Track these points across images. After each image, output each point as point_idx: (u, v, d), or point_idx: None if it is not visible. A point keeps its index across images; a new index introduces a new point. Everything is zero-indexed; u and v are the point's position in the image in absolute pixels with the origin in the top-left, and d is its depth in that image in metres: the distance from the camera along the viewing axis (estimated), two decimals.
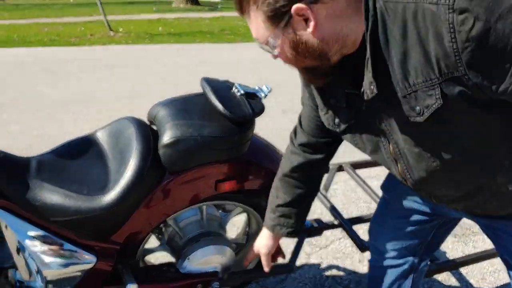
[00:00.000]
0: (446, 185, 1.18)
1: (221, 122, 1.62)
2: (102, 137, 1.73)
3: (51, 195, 1.49)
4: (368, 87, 1.00)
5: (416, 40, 0.91)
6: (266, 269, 1.69)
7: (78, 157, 1.64)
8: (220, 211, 2.07)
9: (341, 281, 2.32)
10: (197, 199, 1.70)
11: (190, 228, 1.90)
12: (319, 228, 2.20)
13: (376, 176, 3.18)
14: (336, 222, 2.27)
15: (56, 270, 1.54)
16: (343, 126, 1.20)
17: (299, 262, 2.46)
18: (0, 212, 1.47)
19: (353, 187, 3.29)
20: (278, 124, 4.42)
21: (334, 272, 2.40)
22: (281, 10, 0.95)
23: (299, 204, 1.58)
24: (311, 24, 0.95)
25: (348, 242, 2.64)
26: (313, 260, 2.48)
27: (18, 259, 1.54)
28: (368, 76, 0.99)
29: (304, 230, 2.15)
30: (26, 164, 1.55)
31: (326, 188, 2.45)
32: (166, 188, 1.62)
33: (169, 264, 1.82)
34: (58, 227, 1.52)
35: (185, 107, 1.67)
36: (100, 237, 1.60)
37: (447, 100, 0.94)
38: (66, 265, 1.55)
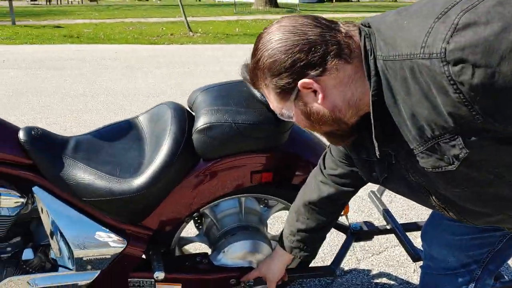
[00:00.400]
0: (503, 213, 1.08)
1: (259, 110, 1.54)
2: (143, 121, 1.72)
3: (84, 175, 1.49)
4: (376, 146, 1.00)
5: (421, 96, 0.87)
6: None
7: (116, 140, 1.64)
8: (261, 206, 1.99)
9: None
10: (232, 189, 1.63)
11: (227, 220, 1.84)
12: (369, 232, 2.05)
13: None
14: (388, 227, 2.11)
15: (86, 251, 1.54)
16: (380, 180, 1.16)
17: (347, 266, 2.31)
18: (35, 189, 1.49)
19: None
20: None
21: (384, 280, 2.23)
22: (287, 87, 0.98)
23: (322, 231, 1.55)
24: (320, 96, 0.97)
25: (404, 250, 2.45)
26: (364, 266, 2.33)
27: (51, 237, 1.56)
28: (374, 135, 0.98)
29: (352, 232, 2.02)
30: (64, 143, 1.57)
31: (381, 191, 2.29)
32: (199, 176, 1.57)
33: (203, 255, 1.77)
34: (90, 207, 1.52)
35: (223, 93, 1.61)
36: (131, 221, 1.58)
37: (473, 147, 0.87)
38: (96, 247, 1.55)
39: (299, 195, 1.53)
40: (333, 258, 1.91)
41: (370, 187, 2.62)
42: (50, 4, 25.54)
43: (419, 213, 2.84)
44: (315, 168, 1.51)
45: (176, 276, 1.69)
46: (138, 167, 1.53)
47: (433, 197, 1.09)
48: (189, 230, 2.54)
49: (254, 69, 1.04)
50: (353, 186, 1.41)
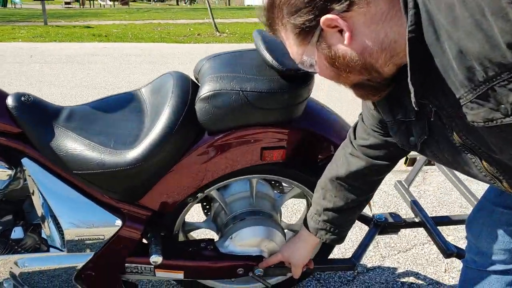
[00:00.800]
0: None
1: (271, 77, 1.37)
2: (145, 92, 1.57)
3: (75, 145, 1.35)
4: (412, 93, 0.83)
5: (471, 25, 0.69)
6: (296, 277, 1.53)
7: (114, 111, 1.49)
8: (275, 191, 1.81)
9: None
10: (240, 167, 1.46)
11: (237, 205, 1.68)
12: (395, 224, 1.85)
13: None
14: (417, 220, 1.90)
15: (78, 230, 1.40)
16: (419, 145, 0.98)
17: (371, 263, 2.11)
18: (24, 160, 1.36)
19: (447, 189, 2.84)
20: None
21: (411, 279, 2.02)
22: (308, 25, 0.83)
23: (351, 212, 1.37)
24: (346, 35, 0.81)
25: (434, 248, 2.23)
26: (388, 263, 2.12)
27: (41, 214, 1.42)
28: (410, 80, 0.80)
29: (376, 224, 1.82)
30: (56, 112, 1.43)
31: (409, 181, 2.08)
32: (202, 151, 1.40)
33: (208, 241, 1.60)
34: (82, 182, 1.38)
35: (231, 61, 1.45)
36: (127, 200, 1.43)
37: None
38: (88, 226, 1.40)
39: (326, 170, 1.37)
40: (354, 251, 1.73)
41: (396, 177, 2.42)
42: (83, 7, 26.04)
43: (451, 209, 2.61)
44: (344, 141, 1.34)
45: (178, 262, 1.53)
46: (134, 139, 1.38)
47: (483, 163, 0.90)
48: (196, 215, 2.39)
49: (271, 6, 0.89)
50: (386, 159, 1.23)
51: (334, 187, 1.33)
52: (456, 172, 2.09)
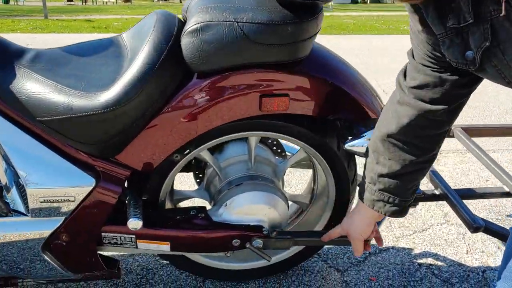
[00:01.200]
0: None
1: (271, 7, 1.15)
2: (126, 37, 1.36)
3: (38, 88, 1.14)
4: None
5: None
6: (357, 254, 1.30)
7: (89, 56, 1.28)
8: (277, 157, 1.60)
9: (439, 272, 1.72)
10: (234, 118, 1.24)
11: (233, 169, 1.46)
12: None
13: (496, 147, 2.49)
14: (437, 192, 1.68)
15: (43, 190, 1.18)
16: (478, 58, 0.80)
17: (384, 244, 1.89)
18: None
19: (464, 170, 2.61)
20: None
21: (430, 260, 1.79)
22: None
23: (410, 177, 1.12)
24: None
25: (453, 229, 2.01)
26: (403, 244, 1.90)
27: (0, 172, 1.21)
28: None
29: None
30: (20, 53, 1.23)
31: None
32: (189, 97, 1.19)
33: (199, 209, 1.39)
34: (48, 133, 1.17)
35: None
36: (101, 154, 1.21)
37: None
38: (56, 186, 1.19)
39: (375, 129, 1.14)
40: None
41: None
42: (85, 4, 25.92)
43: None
44: (392, 93, 1.11)
45: (163, 232, 1.32)
46: (109, 82, 1.16)
47: None
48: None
49: None
50: (441, 102, 0.99)
51: (387, 148, 1.10)
52: (478, 142, 1.87)
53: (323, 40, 8.05)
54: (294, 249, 1.59)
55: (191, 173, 1.65)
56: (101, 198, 1.23)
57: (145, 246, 1.33)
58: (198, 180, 1.62)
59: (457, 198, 1.59)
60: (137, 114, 1.15)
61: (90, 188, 1.21)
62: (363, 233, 1.25)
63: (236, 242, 1.35)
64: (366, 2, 26.26)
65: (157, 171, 1.31)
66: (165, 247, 1.33)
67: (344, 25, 11.97)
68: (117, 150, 1.21)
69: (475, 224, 1.48)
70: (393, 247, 1.87)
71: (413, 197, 1.16)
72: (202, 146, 1.31)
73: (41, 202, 1.19)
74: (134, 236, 1.31)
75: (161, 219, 1.34)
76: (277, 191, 1.41)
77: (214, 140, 1.31)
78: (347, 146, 1.26)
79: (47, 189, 1.19)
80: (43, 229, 1.23)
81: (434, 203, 2.21)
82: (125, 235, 1.31)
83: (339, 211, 1.52)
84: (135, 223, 1.20)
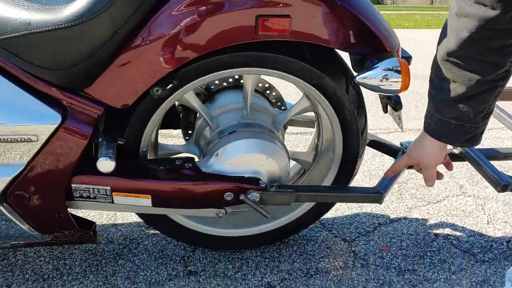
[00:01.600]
0: None
1: None
2: None
3: None
4: None
5: None
6: (430, 184, 1.16)
7: None
8: (276, 109, 1.41)
9: (458, 243, 1.53)
10: (224, 44, 1.05)
11: (226, 118, 1.28)
12: None
13: None
14: (456, 151, 1.50)
15: None
16: None
17: (394, 214, 1.70)
18: None
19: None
20: None
21: (447, 231, 1.61)
22: None
23: (480, 98, 0.94)
24: None
25: (471, 200, 1.82)
26: (416, 214, 1.71)
27: None
28: None
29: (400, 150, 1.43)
30: None
31: None
32: (169, 16, 1.00)
33: (186, 159, 1.20)
34: (2, 55, 0.98)
35: None
36: (68, 84, 1.03)
37: None
38: (13, 122, 1.00)
39: (436, 51, 0.97)
40: (379, 181, 1.32)
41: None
42: None
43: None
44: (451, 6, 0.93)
45: (143, 183, 1.13)
46: None
47: None
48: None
49: None
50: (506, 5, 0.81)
51: (449, 69, 0.92)
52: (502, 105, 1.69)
53: None
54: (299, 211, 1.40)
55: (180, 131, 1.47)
56: (69, 140, 1.04)
57: (122, 200, 1.15)
58: (187, 138, 1.43)
59: (481, 155, 1.41)
60: (106, 33, 0.96)
61: (55, 126, 1.02)
62: (437, 159, 1.08)
63: (229, 196, 1.16)
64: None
65: (137, 111, 1.12)
66: (145, 201, 1.15)
67: None
68: (87, 81, 1.03)
69: (502, 182, 1.30)
70: (405, 218, 1.69)
71: (485, 122, 0.98)
72: (189, 85, 1.12)
73: None
74: (109, 188, 1.12)
75: (141, 169, 1.16)
76: (275, 140, 1.22)
77: (202, 78, 1.12)
78: (359, 78, 1.07)
79: (3, 126, 1.00)
80: (0, 175, 1.05)
81: (448, 175, 2.03)
82: (99, 187, 1.12)
83: (346, 169, 1.33)
84: (106, 164, 1.01)
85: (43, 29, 0.92)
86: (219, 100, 1.32)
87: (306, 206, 1.38)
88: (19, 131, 1.01)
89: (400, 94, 1.16)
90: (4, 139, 1.01)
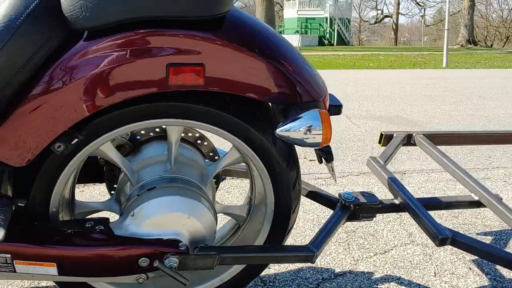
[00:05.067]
0: None
1: None
2: None
3: None
4: None
5: None
6: None
7: None
8: (206, 160, 1.33)
9: None
10: (133, 94, 0.97)
11: (147, 172, 1.19)
12: (369, 206, 1.39)
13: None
14: (397, 202, 1.45)
15: None
16: None
17: (340, 268, 1.62)
18: None
19: (429, 189, 2.39)
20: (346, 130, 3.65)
21: (392, 285, 1.53)
22: None
23: None
24: None
25: (419, 249, 1.76)
26: (362, 267, 1.63)
27: None
28: None
29: (344, 206, 1.36)
30: None
31: (386, 157, 1.64)
32: (69, 65, 0.92)
33: (99, 220, 1.10)
34: None
35: None
36: None
37: None
38: None
39: None
40: (312, 238, 1.24)
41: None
42: None
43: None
44: None
45: (47, 250, 1.02)
46: None
47: None
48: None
49: None
50: None
51: None
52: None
53: None
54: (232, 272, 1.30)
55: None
56: None
57: (25, 269, 1.03)
58: (110, 190, 1.33)
59: (420, 206, 1.36)
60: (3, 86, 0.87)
61: None
62: None
63: (144, 262, 1.05)
64: (332, 44, 26.91)
65: (42, 170, 1.02)
66: (51, 270, 1.03)
67: (311, 63, 12.05)
68: None
69: (441, 235, 1.24)
70: (350, 271, 1.60)
71: None
72: (99, 139, 1.03)
73: None
74: (9, 255, 1.01)
75: (46, 233, 1.05)
76: (199, 197, 1.14)
77: (116, 130, 1.03)
78: (279, 131, 1.01)
79: None
80: None
81: (398, 223, 1.97)
82: None
83: (279, 224, 1.25)
84: None
85: None
86: (143, 152, 1.24)
87: (238, 267, 1.28)
88: None
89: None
90: None
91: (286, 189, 1.20)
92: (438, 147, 1.73)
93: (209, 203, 1.16)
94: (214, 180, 1.37)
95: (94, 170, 1.32)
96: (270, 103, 1.11)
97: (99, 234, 1.06)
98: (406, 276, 1.58)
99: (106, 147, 1.13)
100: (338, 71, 9.28)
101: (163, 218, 1.09)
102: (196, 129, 1.14)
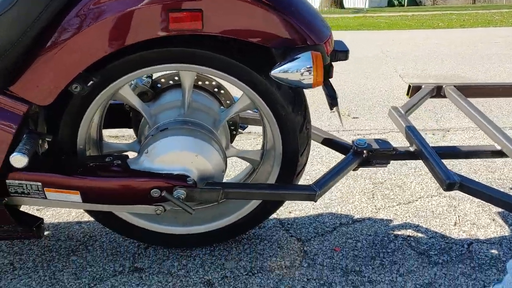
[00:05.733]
0: None
1: None
2: None
3: None
4: None
5: None
6: None
7: None
8: (221, 107, 1.42)
9: (416, 245, 1.48)
10: (136, 39, 1.06)
11: (163, 115, 1.29)
12: (382, 152, 1.42)
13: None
14: (411, 149, 1.46)
15: None
16: None
17: (359, 215, 1.67)
18: None
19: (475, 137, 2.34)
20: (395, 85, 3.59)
21: (409, 232, 1.56)
22: None
23: None
24: None
25: (444, 201, 1.76)
26: (382, 215, 1.67)
27: None
28: None
29: (357, 152, 1.40)
30: None
31: (408, 107, 1.64)
32: (80, 14, 1.03)
33: (117, 156, 1.22)
34: None
35: None
36: None
37: None
38: None
39: None
40: (318, 178, 1.30)
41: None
42: None
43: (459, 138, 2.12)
44: None
45: (71, 179, 1.16)
46: None
47: None
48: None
49: None
50: None
51: None
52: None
53: (350, 34, 7.79)
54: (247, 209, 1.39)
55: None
56: None
57: (54, 196, 1.18)
58: (135, 127, 1.46)
59: (433, 153, 1.37)
60: (15, 31, 0.99)
61: None
62: None
63: (155, 193, 1.17)
64: (403, 5, 25.62)
65: (66, 110, 1.15)
66: (75, 197, 1.17)
67: (375, 23, 11.63)
68: (8, 79, 1.07)
69: (448, 180, 1.26)
70: (369, 218, 1.65)
71: None
72: (116, 82, 1.15)
73: None
74: (40, 183, 1.16)
75: (70, 165, 1.19)
76: (208, 139, 1.23)
77: (129, 74, 1.14)
78: (274, 72, 1.06)
79: None
80: None
81: (429, 176, 1.96)
82: (31, 183, 1.16)
83: (288, 166, 1.32)
84: (18, 159, 1.04)
85: None
86: (161, 99, 1.34)
87: (253, 203, 1.37)
88: None
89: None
90: None
91: (292, 132, 1.26)
92: (469, 99, 1.70)
93: (218, 145, 1.25)
94: (232, 128, 1.46)
95: (122, 116, 1.45)
96: (271, 47, 1.16)
97: (116, 167, 1.18)
98: (425, 225, 1.60)
99: (126, 92, 1.25)
100: (400, 32, 8.92)
101: (173, 155, 1.19)
102: (206, 74, 1.22)
